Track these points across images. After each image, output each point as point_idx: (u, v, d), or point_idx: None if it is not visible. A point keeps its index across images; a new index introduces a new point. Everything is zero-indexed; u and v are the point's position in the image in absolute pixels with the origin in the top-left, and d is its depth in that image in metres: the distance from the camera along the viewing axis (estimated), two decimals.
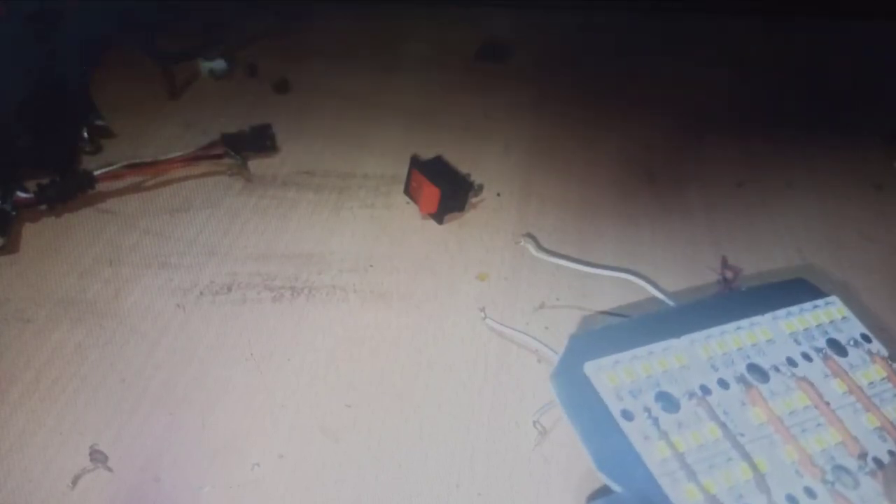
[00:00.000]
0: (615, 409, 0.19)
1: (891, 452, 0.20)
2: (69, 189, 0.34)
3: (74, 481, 0.23)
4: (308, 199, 0.36)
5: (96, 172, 0.34)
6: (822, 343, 0.23)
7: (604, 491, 0.18)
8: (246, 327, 0.29)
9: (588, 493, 0.23)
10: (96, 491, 0.23)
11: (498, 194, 0.36)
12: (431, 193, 0.33)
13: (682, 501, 0.17)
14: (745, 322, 0.23)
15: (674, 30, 0.52)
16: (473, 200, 0.35)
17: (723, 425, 0.19)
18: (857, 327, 0.24)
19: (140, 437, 0.25)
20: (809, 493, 0.19)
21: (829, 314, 0.24)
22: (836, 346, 0.23)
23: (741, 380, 0.21)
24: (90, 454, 0.24)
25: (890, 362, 0.23)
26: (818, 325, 0.24)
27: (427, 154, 0.36)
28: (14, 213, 0.33)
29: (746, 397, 0.21)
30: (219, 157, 0.37)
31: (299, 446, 0.25)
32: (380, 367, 0.27)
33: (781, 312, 0.23)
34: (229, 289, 0.31)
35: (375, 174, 0.37)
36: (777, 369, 0.22)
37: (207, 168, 0.37)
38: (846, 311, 0.24)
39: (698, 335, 0.22)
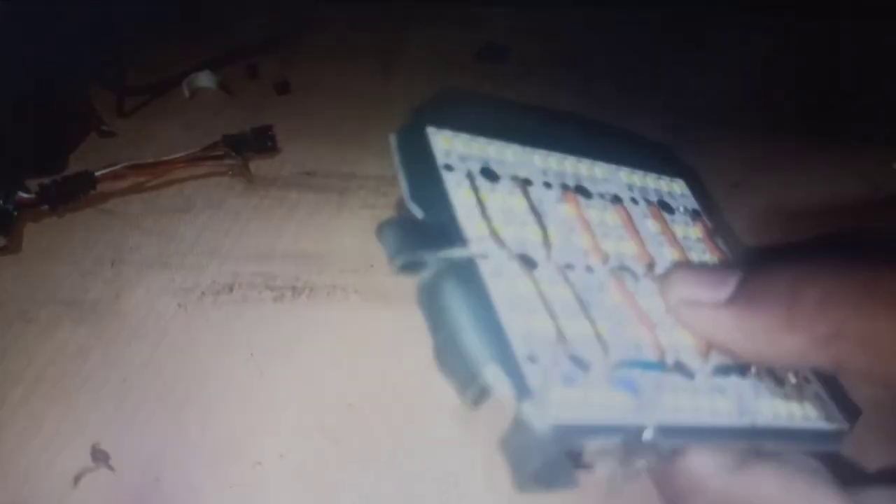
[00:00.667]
0: (441, 160, 0.20)
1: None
2: (71, 189, 0.34)
3: (76, 480, 0.23)
4: (309, 199, 0.36)
5: (98, 173, 0.34)
6: (653, 198, 0.23)
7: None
8: (247, 327, 0.29)
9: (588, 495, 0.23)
10: (98, 490, 0.23)
11: None
12: None
13: (471, 232, 0.18)
14: (588, 160, 0.23)
15: (674, 30, 0.52)
16: None
17: (531, 204, 0.20)
18: (692, 203, 0.24)
19: (141, 437, 0.25)
20: (589, 269, 0.19)
21: (670, 186, 0.24)
22: (665, 206, 0.23)
23: (564, 187, 0.21)
24: (92, 453, 0.24)
25: (712, 235, 0.23)
26: (656, 189, 0.24)
27: None
28: (16, 213, 0.33)
29: (562, 197, 0.21)
30: (220, 157, 0.37)
31: (299, 446, 0.25)
32: (380, 367, 0.27)
33: (627, 168, 0.24)
34: (231, 289, 0.31)
35: (376, 175, 0.37)
36: (601, 196, 0.22)
37: (209, 169, 0.37)
38: (687, 191, 0.25)
39: (542, 151, 0.22)
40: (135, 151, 0.38)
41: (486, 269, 0.17)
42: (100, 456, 0.24)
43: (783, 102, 0.45)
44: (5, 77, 0.36)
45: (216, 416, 0.26)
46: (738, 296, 0.17)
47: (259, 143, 0.38)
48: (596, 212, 0.21)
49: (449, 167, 0.20)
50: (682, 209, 0.24)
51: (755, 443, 0.18)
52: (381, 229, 0.18)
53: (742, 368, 0.19)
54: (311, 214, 0.35)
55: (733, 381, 0.18)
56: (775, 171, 0.38)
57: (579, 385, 0.16)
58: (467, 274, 0.17)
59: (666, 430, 0.16)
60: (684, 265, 0.19)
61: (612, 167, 0.23)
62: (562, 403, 0.15)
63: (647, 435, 0.16)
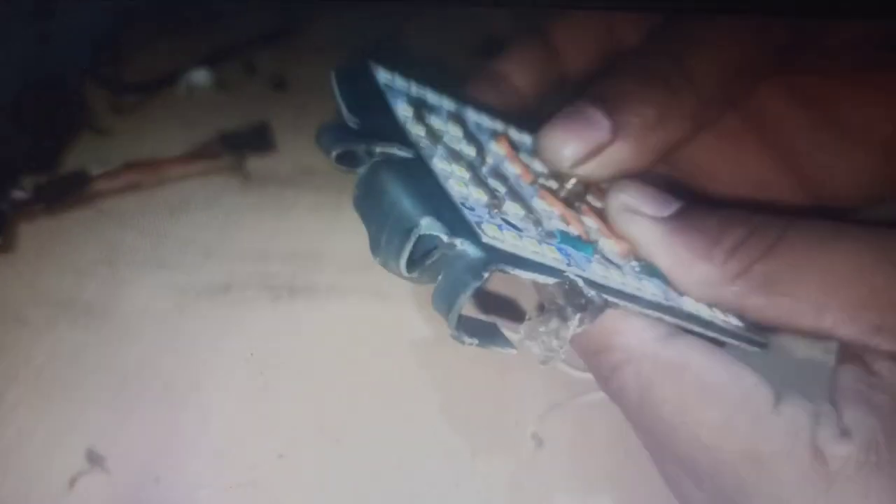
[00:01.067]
0: (382, 82, 0.20)
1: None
2: (66, 188, 0.33)
3: (72, 483, 0.23)
4: (307, 198, 0.36)
5: (93, 172, 0.34)
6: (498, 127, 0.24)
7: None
8: (244, 327, 0.29)
9: (589, 495, 0.23)
10: (94, 492, 0.23)
11: None
12: None
13: (412, 130, 0.19)
14: (515, 128, 0.23)
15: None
16: None
17: (466, 131, 0.20)
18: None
19: (138, 438, 0.25)
20: (520, 184, 0.20)
21: None
22: None
23: (495, 133, 0.22)
24: (88, 455, 0.24)
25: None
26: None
27: None
28: (10, 212, 0.32)
29: (494, 137, 0.22)
30: (217, 156, 0.36)
31: (299, 446, 0.25)
32: (380, 367, 0.27)
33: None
34: (228, 288, 0.31)
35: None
36: (527, 153, 0.22)
37: (205, 167, 0.37)
38: None
39: (475, 109, 0.22)
40: (130, 150, 0.38)
41: (425, 153, 0.18)
42: (96, 458, 0.24)
43: None
44: (0, 76, 0.35)
45: (214, 416, 0.25)
46: (675, 217, 0.18)
47: (256, 140, 0.38)
48: (523, 157, 0.22)
49: (389, 87, 0.21)
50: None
51: (682, 322, 0.18)
52: (317, 134, 0.18)
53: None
54: (309, 213, 0.35)
55: (657, 281, 0.19)
56: None
57: (513, 232, 0.17)
58: (406, 160, 0.18)
59: (596, 285, 0.17)
60: (636, 180, 0.20)
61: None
62: (496, 236, 0.16)
63: (580, 281, 0.16)
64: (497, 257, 0.15)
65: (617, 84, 0.20)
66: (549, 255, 0.17)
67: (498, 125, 0.22)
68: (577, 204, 0.20)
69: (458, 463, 0.24)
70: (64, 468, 0.24)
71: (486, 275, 0.15)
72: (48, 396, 0.26)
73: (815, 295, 0.17)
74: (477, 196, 0.17)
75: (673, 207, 0.19)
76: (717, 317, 0.19)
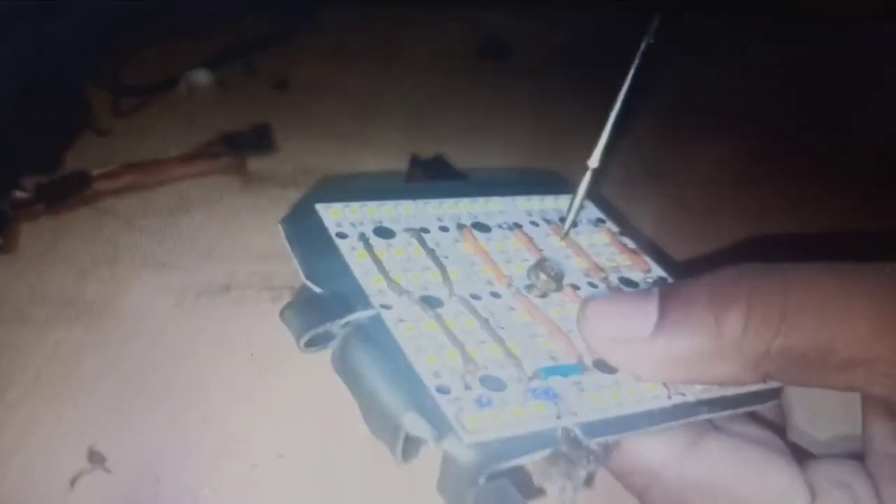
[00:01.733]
0: (332, 231, 0.20)
1: (590, 284, 0.21)
2: (67, 189, 0.34)
3: (73, 482, 0.23)
4: None
5: (94, 172, 0.34)
6: (553, 217, 0.23)
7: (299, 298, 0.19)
8: (245, 327, 0.29)
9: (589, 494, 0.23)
10: (95, 492, 0.23)
11: None
12: None
13: (371, 289, 0.18)
14: (482, 198, 0.23)
15: (675, 29, 0.52)
16: None
17: (427, 250, 0.20)
18: (594, 213, 0.24)
19: (139, 438, 0.25)
20: (495, 295, 0.19)
21: (568, 203, 0.24)
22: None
23: (460, 226, 0.21)
24: (88, 455, 0.24)
25: (619, 236, 0.23)
26: (555, 209, 0.24)
27: (427, 154, 0.36)
28: (11, 212, 0.33)
29: (460, 236, 0.21)
30: (217, 156, 0.36)
31: (299, 446, 0.25)
32: None
33: (522, 197, 0.24)
34: (228, 288, 0.31)
35: (376, 173, 0.37)
36: (500, 226, 0.22)
37: (206, 167, 0.37)
38: (589, 204, 0.24)
39: (434, 200, 0.22)
40: (131, 150, 0.38)
41: (389, 319, 0.17)
42: (96, 458, 0.24)
43: (784, 104, 0.45)
44: (1, 76, 0.36)
45: (214, 416, 0.25)
46: (662, 326, 0.16)
47: (257, 141, 0.38)
48: (496, 242, 0.21)
49: (342, 235, 0.20)
50: (584, 220, 0.24)
51: (690, 417, 0.17)
52: (282, 313, 0.18)
53: None
54: None
55: None
56: (772, 171, 0.38)
57: (495, 405, 0.16)
58: (372, 330, 0.17)
59: (594, 427, 0.16)
60: (598, 299, 0.18)
61: (508, 199, 0.23)
62: (479, 426, 0.15)
63: (575, 434, 0.16)
64: (487, 457, 0.15)
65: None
66: (537, 414, 0.16)
67: (461, 210, 0.22)
68: (557, 289, 0.20)
69: None
70: (65, 467, 0.23)
71: (480, 482, 0.15)
72: (49, 396, 0.26)
73: (846, 352, 0.15)
74: (450, 362, 0.17)
75: (653, 313, 0.16)
76: (728, 391, 0.18)
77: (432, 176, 0.33)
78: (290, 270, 0.32)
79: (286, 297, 0.30)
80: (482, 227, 0.22)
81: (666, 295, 0.17)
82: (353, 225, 0.20)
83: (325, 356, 0.28)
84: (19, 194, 0.33)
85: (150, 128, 0.41)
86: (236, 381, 0.27)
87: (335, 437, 0.25)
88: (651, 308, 0.17)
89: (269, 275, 0.31)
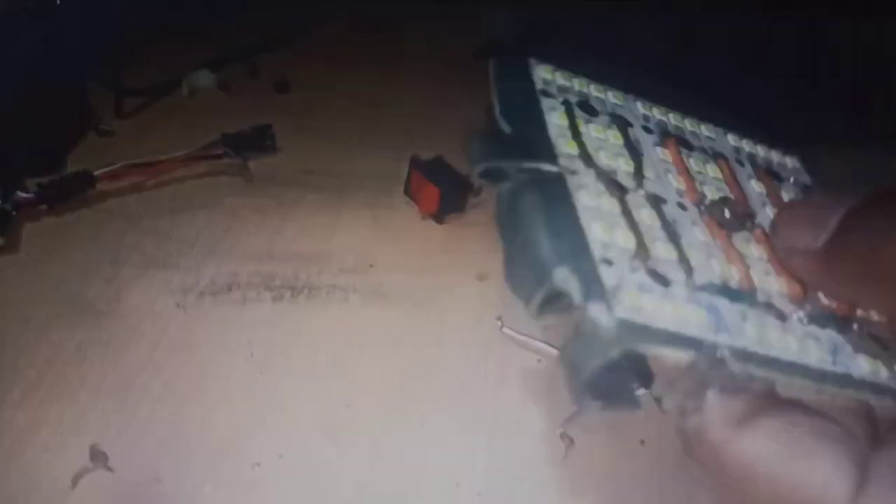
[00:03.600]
0: (539, 86, 0.19)
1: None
2: (69, 189, 0.34)
3: (75, 481, 0.23)
4: (308, 198, 0.36)
5: (96, 172, 0.34)
6: (761, 164, 0.22)
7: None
8: (246, 327, 0.29)
9: (590, 494, 0.23)
10: (97, 491, 0.23)
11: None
12: (431, 193, 0.33)
13: (561, 150, 0.17)
14: (696, 119, 0.22)
15: (675, 28, 0.52)
16: (473, 200, 0.35)
17: (627, 140, 0.19)
18: (804, 178, 0.23)
19: (140, 437, 0.25)
20: (681, 206, 0.18)
21: (782, 158, 0.22)
22: (775, 174, 0.22)
23: (665, 133, 0.20)
24: (90, 454, 0.24)
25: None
26: (766, 158, 0.22)
27: (427, 154, 0.36)
28: (14, 212, 0.33)
29: (661, 141, 0.20)
30: (219, 156, 0.36)
31: (299, 446, 0.25)
32: (380, 367, 0.27)
33: (735, 134, 0.22)
34: (229, 288, 0.31)
35: (375, 174, 0.37)
36: (704, 150, 0.21)
37: (208, 168, 0.37)
38: (800, 166, 0.23)
39: (646, 101, 0.21)
40: (134, 151, 0.38)
41: (572, 182, 0.16)
42: (98, 457, 0.24)
43: (786, 101, 0.45)
44: (5, 77, 0.36)
45: (215, 416, 0.25)
46: (833, 241, 0.16)
47: (258, 142, 0.38)
48: (696, 161, 0.20)
49: (546, 93, 0.19)
50: (792, 180, 0.22)
51: (848, 389, 0.16)
52: (467, 138, 0.18)
53: (842, 324, 0.18)
54: (311, 214, 0.35)
55: (830, 333, 0.17)
56: None
57: (655, 295, 0.15)
58: (551, 186, 0.16)
59: (745, 355, 0.15)
60: (789, 206, 0.19)
61: (720, 129, 0.22)
62: (633, 306, 0.14)
63: (723, 354, 0.15)
64: (630, 335, 0.14)
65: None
66: (693, 320, 0.15)
67: (670, 120, 0.21)
68: (748, 224, 0.19)
69: (458, 463, 0.24)
70: (67, 466, 0.24)
71: (613, 355, 0.14)
72: (51, 395, 0.26)
73: None
74: (623, 242, 0.16)
75: (830, 227, 0.17)
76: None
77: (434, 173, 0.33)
78: (292, 271, 0.32)
79: (287, 297, 0.30)
80: (686, 144, 0.21)
81: (850, 210, 0.17)
82: (559, 90, 0.19)
83: (323, 355, 0.28)
84: (22, 194, 0.33)
85: (152, 128, 0.41)
86: (238, 381, 0.27)
87: (335, 437, 0.25)
88: (832, 219, 0.17)
89: (270, 275, 0.31)
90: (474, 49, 0.48)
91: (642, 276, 0.15)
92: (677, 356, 0.15)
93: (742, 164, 0.22)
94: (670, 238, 0.17)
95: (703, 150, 0.21)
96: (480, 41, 0.48)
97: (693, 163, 0.20)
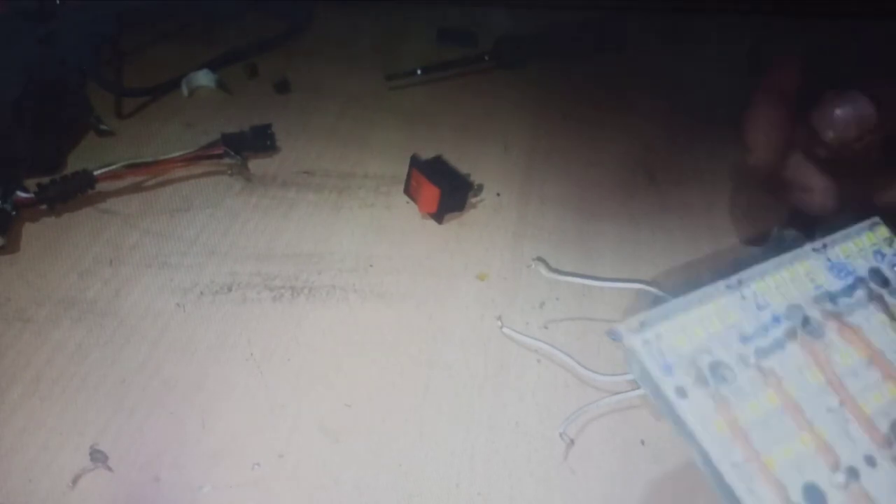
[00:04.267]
0: (656, 367, 0.18)
1: None
2: (69, 189, 0.34)
3: (74, 481, 0.23)
4: (308, 198, 0.36)
5: (96, 172, 0.34)
6: (864, 272, 0.20)
7: None
8: (246, 327, 0.29)
9: (590, 494, 0.23)
10: (96, 490, 0.23)
11: (498, 194, 0.36)
12: (431, 193, 0.33)
13: (715, 448, 0.17)
14: (787, 256, 0.20)
15: (675, 29, 0.52)
16: (473, 200, 0.35)
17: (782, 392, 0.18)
18: None
19: (140, 437, 0.25)
20: (869, 461, 0.17)
21: (871, 240, 0.21)
22: (881, 279, 0.20)
23: (791, 334, 0.19)
24: (90, 454, 0.24)
25: None
26: (860, 250, 0.21)
27: (427, 154, 0.36)
28: (14, 212, 0.33)
29: (801, 352, 0.18)
30: (219, 156, 0.37)
31: (299, 446, 0.25)
32: (380, 367, 0.27)
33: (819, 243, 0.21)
34: (229, 288, 0.31)
35: (375, 174, 0.37)
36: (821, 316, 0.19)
37: (207, 168, 0.37)
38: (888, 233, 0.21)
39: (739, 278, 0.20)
40: (133, 151, 0.38)
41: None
42: (98, 457, 0.24)
43: None
44: (4, 77, 0.36)
45: (215, 415, 0.25)
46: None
47: (258, 142, 0.38)
48: (837, 352, 0.18)
49: (681, 392, 0.18)
50: (894, 267, 0.20)
51: None
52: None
53: None
54: (310, 214, 0.35)
55: None
56: None
57: None
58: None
59: None
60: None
61: (807, 249, 0.20)
62: None
63: None
64: None
65: None
66: None
67: (786, 309, 0.19)
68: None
69: (458, 463, 0.24)
70: (66, 466, 0.24)
71: None
72: (51, 395, 0.26)
73: None
74: None
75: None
76: None
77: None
78: (291, 270, 0.33)
79: (287, 297, 0.30)
80: (811, 326, 0.19)
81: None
82: (684, 369, 0.18)
83: (323, 355, 0.28)
84: (22, 194, 0.33)
85: (152, 128, 0.41)
86: (238, 381, 0.27)
87: (335, 437, 0.25)
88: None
89: (271, 275, 0.31)
90: (475, 49, 0.48)
91: None
92: None
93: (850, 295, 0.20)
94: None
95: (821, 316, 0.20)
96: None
97: (836, 357, 0.19)
